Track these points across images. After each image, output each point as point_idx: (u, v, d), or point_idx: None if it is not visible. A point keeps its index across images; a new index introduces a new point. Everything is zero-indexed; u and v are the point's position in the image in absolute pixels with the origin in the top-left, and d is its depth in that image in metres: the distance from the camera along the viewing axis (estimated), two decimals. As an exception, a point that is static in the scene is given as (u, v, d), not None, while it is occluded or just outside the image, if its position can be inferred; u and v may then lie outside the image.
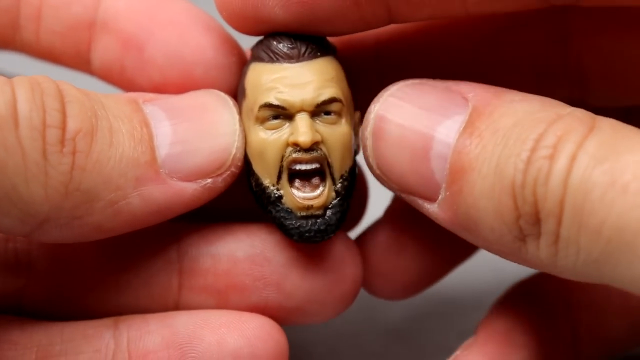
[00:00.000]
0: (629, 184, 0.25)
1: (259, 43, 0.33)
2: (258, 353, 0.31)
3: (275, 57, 0.32)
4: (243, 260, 0.32)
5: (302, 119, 0.31)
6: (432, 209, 0.30)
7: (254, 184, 0.32)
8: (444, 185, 0.30)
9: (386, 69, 0.35)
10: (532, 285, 0.36)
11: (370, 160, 0.31)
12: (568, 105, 0.29)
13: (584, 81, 0.35)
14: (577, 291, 0.35)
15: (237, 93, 0.33)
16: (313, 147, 0.31)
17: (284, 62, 0.32)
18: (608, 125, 0.27)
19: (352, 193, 0.33)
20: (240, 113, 0.32)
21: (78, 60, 0.35)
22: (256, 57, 0.32)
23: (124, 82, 0.35)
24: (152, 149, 0.30)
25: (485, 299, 0.41)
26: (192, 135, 0.31)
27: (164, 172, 0.30)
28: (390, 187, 0.32)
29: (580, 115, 0.28)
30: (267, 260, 0.32)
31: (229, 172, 0.31)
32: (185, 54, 0.34)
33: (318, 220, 0.32)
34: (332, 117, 0.31)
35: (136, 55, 0.34)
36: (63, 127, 0.28)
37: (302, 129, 0.31)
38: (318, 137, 0.31)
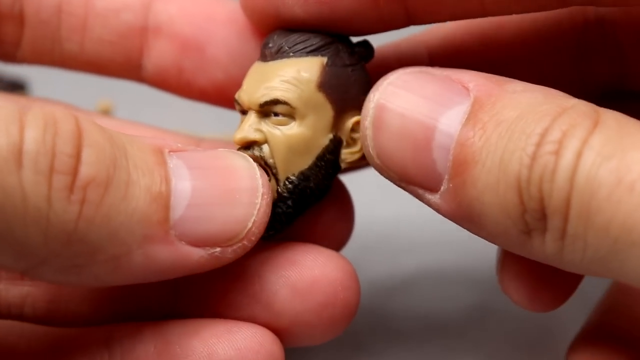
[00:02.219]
0: (634, 183, 0.25)
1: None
2: None
3: (260, 56, 0.33)
4: (235, 276, 0.32)
5: (247, 117, 0.32)
6: (433, 199, 0.30)
7: None
8: (446, 177, 0.29)
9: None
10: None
11: (371, 150, 0.31)
12: (571, 97, 0.29)
13: (623, 61, 0.35)
14: None
15: None
16: (250, 145, 0.32)
17: (262, 60, 0.33)
18: (612, 119, 0.27)
19: (308, 198, 0.32)
20: None
21: (127, 67, 0.36)
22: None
23: (182, 84, 0.35)
24: (167, 208, 0.29)
25: (485, 299, 0.41)
26: (210, 201, 0.29)
27: (174, 233, 0.29)
28: (389, 177, 0.31)
29: (584, 108, 0.27)
30: (258, 278, 0.32)
31: (240, 244, 0.30)
32: (248, 51, 0.34)
33: None
34: (280, 118, 0.32)
35: (197, 56, 0.35)
36: (74, 174, 0.27)
37: (241, 127, 0.32)
38: (255, 137, 0.31)
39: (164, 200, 0.29)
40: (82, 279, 0.28)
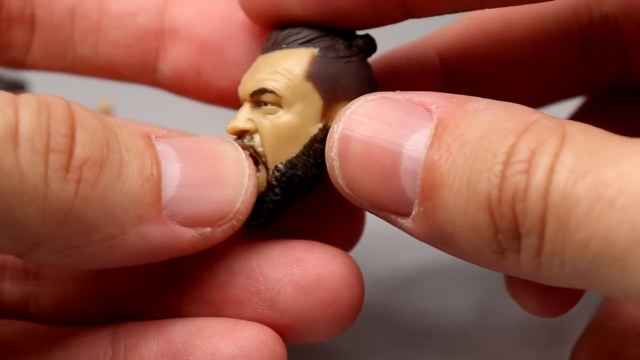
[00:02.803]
0: (614, 198, 0.25)
1: None
2: None
3: (261, 50, 0.33)
4: (239, 274, 0.32)
5: (241, 107, 0.32)
6: (406, 224, 0.30)
7: None
8: (416, 202, 0.29)
9: (452, 73, 0.35)
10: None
11: (339, 180, 0.31)
12: (534, 111, 0.28)
13: (627, 58, 0.35)
14: None
15: None
16: (242, 134, 0.32)
17: (261, 53, 0.33)
18: (579, 132, 0.27)
19: (296, 186, 0.33)
20: None
21: (142, 71, 0.36)
22: None
23: (200, 86, 0.35)
24: (159, 189, 0.29)
25: (486, 299, 0.41)
26: (200, 182, 0.30)
27: (166, 213, 0.30)
28: (361, 205, 0.31)
29: (548, 123, 0.27)
30: (262, 276, 0.32)
31: (229, 224, 0.31)
32: None
33: None
34: (269, 107, 0.32)
35: (216, 58, 0.35)
36: (69, 153, 0.27)
37: (234, 117, 0.32)
38: (245, 126, 0.32)
39: (156, 182, 0.29)
40: (78, 260, 0.29)
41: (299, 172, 0.32)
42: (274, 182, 0.32)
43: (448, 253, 0.30)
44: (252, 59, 0.34)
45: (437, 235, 0.29)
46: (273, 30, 0.33)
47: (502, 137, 0.27)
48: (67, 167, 0.27)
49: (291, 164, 0.32)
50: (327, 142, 0.31)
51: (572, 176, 0.26)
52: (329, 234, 0.34)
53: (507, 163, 0.27)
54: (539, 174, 0.26)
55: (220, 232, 0.31)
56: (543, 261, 0.27)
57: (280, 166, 0.32)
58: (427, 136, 0.29)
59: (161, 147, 0.30)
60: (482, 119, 0.28)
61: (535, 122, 0.27)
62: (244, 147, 0.32)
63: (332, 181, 0.31)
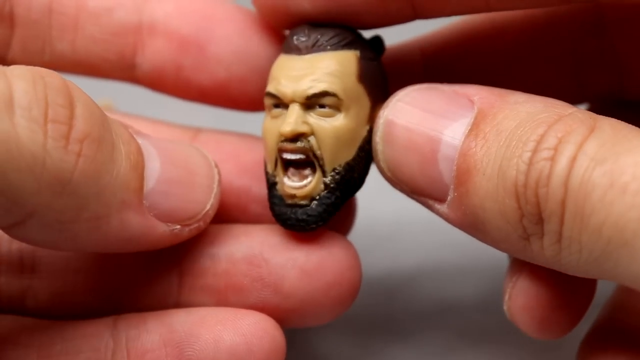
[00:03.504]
0: (627, 184, 0.26)
1: (288, 33, 0.34)
2: (254, 349, 0.31)
3: (289, 49, 0.33)
4: (242, 261, 0.33)
5: (291, 110, 0.32)
6: (442, 209, 0.31)
7: (264, 168, 0.33)
8: (452, 187, 0.30)
9: (434, 77, 0.36)
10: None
11: (382, 164, 0.32)
12: (571, 106, 0.29)
13: (621, 72, 0.36)
14: None
15: None
16: (298, 137, 0.32)
17: (294, 54, 0.33)
18: (609, 126, 0.28)
19: (351, 187, 0.33)
20: None
21: (120, 66, 0.36)
22: (283, 47, 0.33)
23: (180, 83, 0.35)
24: (142, 178, 0.30)
25: (486, 299, 0.41)
26: (177, 179, 0.31)
27: (146, 203, 0.30)
28: (402, 190, 0.32)
29: (581, 116, 0.28)
30: (265, 262, 0.32)
31: (196, 224, 0.32)
32: (250, 50, 0.35)
33: (299, 210, 0.32)
34: (326, 110, 0.32)
35: (197, 54, 0.35)
36: (69, 124, 0.27)
37: (288, 120, 0.32)
38: (303, 129, 0.32)
39: (140, 170, 0.30)
40: (61, 238, 0.29)
41: (355, 174, 0.33)
42: (333, 185, 0.32)
43: (480, 240, 0.31)
44: (236, 57, 0.34)
45: (470, 221, 0.30)
46: (304, 30, 0.33)
47: (535, 127, 0.28)
48: (67, 138, 0.27)
49: (349, 166, 0.32)
50: (374, 126, 0.32)
51: (592, 163, 0.26)
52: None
53: (535, 150, 0.28)
54: (562, 161, 0.27)
55: (188, 231, 0.31)
56: (563, 247, 0.27)
57: (339, 168, 0.32)
58: (467, 125, 0.30)
59: (140, 141, 0.31)
60: (519, 110, 0.29)
61: (570, 114, 0.28)
62: (304, 150, 0.32)
63: (375, 165, 0.32)
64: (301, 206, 0.32)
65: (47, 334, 0.32)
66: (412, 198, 0.32)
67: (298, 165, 0.32)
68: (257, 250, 0.33)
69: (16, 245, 0.33)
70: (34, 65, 0.35)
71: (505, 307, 0.32)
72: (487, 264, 0.43)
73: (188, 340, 0.31)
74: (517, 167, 0.28)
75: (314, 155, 0.32)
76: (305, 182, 0.32)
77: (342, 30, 0.33)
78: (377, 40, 0.34)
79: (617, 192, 0.26)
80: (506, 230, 0.29)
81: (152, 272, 0.33)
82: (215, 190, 0.32)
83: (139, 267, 0.33)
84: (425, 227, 0.43)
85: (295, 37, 0.33)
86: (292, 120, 0.32)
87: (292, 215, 0.32)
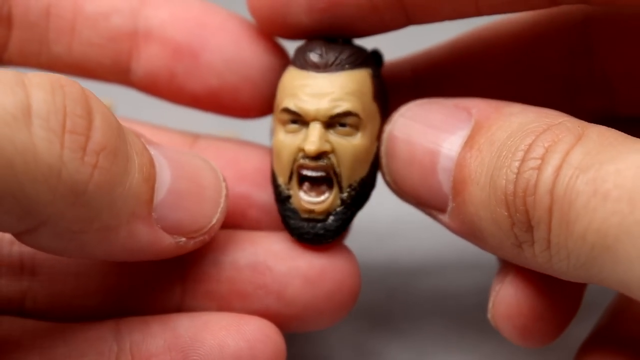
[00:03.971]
0: (609, 192, 0.26)
1: (299, 48, 0.34)
2: (258, 355, 0.32)
3: (305, 65, 0.33)
4: (245, 268, 0.33)
5: (313, 128, 0.32)
6: (444, 219, 0.32)
7: (272, 179, 0.34)
8: (450, 197, 0.31)
9: (424, 92, 0.36)
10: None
11: (387, 177, 0.33)
12: (563, 115, 0.30)
13: (611, 90, 0.36)
14: None
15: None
16: (320, 155, 0.32)
17: (312, 70, 0.33)
18: (596, 134, 0.28)
19: (363, 202, 0.34)
20: (274, 112, 0.34)
21: (115, 70, 0.36)
22: (293, 61, 0.34)
23: (173, 89, 0.35)
24: (153, 190, 0.30)
25: (485, 297, 0.41)
26: (186, 191, 0.31)
27: (155, 215, 0.30)
28: (408, 201, 0.33)
29: (570, 125, 0.29)
30: (268, 269, 0.33)
31: (201, 237, 0.32)
32: (243, 59, 0.35)
33: (318, 225, 0.33)
34: (346, 129, 0.32)
35: (190, 62, 0.35)
36: (87, 135, 0.28)
37: (311, 138, 0.32)
38: (326, 147, 0.32)
39: (152, 182, 0.30)
40: (71, 246, 0.29)
41: (367, 190, 0.34)
42: (349, 202, 0.33)
43: (481, 247, 0.31)
44: (228, 65, 0.34)
45: (468, 230, 0.31)
46: (320, 47, 0.33)
47: (524, 137, 0.29)
48: (84, 149, 0.27)
49: (363, 182, 0.33)
50: (379, 141, 0.33)
51: (576, 172, 0.27)
52: None
53: (523, 159, 0.28)
54: (548, 170, 0.28)
55: (192, 243, 0.32)
56: (553, 254, 0.28)
57: (355, 184, 0.33)
58: (464, 137, 0.31)
59: (152, 151, 0.31)
60: (512, 120, 0.30)
61: (559, 124, 0.29)
62: (326, 168, 0.32)
63: (383, 178, 0.33)
64: (318, 220, 0.33)
65: (49, 337, 0.32)
66: (419, 209, 0.33)
67: (314, 180, 0.33)
68: (261, 258, 0.33)
69: (17, 248, 0.33)
70: (30, 66, 0.35)
71: (489, 315, 0.33)
72: (486, 262, 0.42)
73: (193, 345, 0.31)
74: (507, 176, 0.29)
75: (334, 172, 0.33)
76: (323, 197, 0.33)
77: (358, 49, 0.33)
78: (377, 55, 0.35)
79: (600, 199, 0.26)
80: (500, 238, 0.30)
81: (155, 276, 0.33)
82: (222, 205, 0.32)
83: (141, 271, 0.33)
84: (425, 225, 0.43)
85: (311, 53, 0.33)
86: (316, 139, 0.32)
87: (311, 230, 0.33)
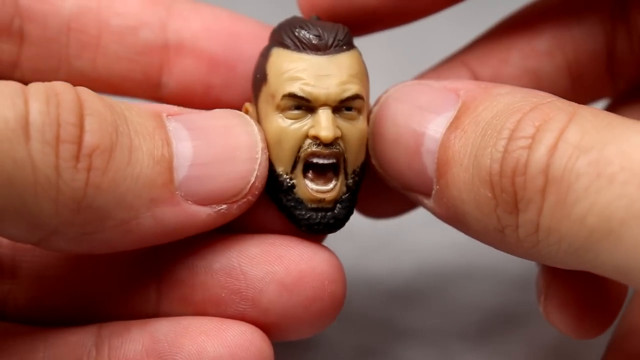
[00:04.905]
0: (615, 174, 0.26)
1: (283, 28, 0.32)
2: None
3: (301, 46, 0.32)
4: (219, 273, 0.32)
5: (325, 114, 0.31)
6: (429, 203, 0.31)
7: (269, 169, 0.32)
8: (434, 180, 0.30)
9: None
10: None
11: (373, 159, 0.32)
12: (551, 95, 0.29)
13: None
14: None
15: (253, 75, 0.33)
16: (333, 142, 0.31)
17: (311, 52, 0.32)
18: (589, 113, 0.27)
19: (360, 187, 0.33)
20: (257, 97, 0.32)
21: (145, 85, 0.35)
22: (280, 42, 0.32)
23: (209, 101, 0.35)
24: (171, 170, 0.29)
25: (486, 299, 0.41)
26: (212, 159, 0.30)
27: (180, 194, 0.30)
28: (394, 186, 0.32)
29: (560, 104, 0.28)
30: (243, 274, 0.32)
31: (245, 199, 0.31)
32: None
33: (327, 214, 0.32)
34: (352, 113, 0.32)
35: (227, 74, 0.35)
36: (79, 142, 0.27)
37: (325, 124, 0.31)
38: (339, 133, 0.31)
39: (167, 163, 0.29)
40: (94, 245, 0.29)
41: (363, 175, 0.33)
42: (354, 188, 0.32)
43: (464, 233, 0.30)
44: None
45: (452, 214, 0.30)
46: (315, 27, 0.32)
47: (509, 115, 0.28)
48: (77, 157, 0.27)
49: (363, 166, 0.32)
50: (367, 122, 0.32)
51: (576, 152, 0.26)
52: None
53: (510, 138, 0.28)
54: (541, 149, 0.27)
55: (236, 208, 0.31)
56: (541, 238, 0.27)
57: (358, 170, 0.32)
58: (449, 118, 0.30)
59: (172, 125, 0.30)
60: (499, 100, 0.29)
61: (548, 102, 0.28)
62: (337, 155, 0.31)
63: (368, 161, 0.32)
64: (326, 210, 0.32)
65: (30, 341, 0.31)
66: (405, 194, 0.32)
67: (319, 168, 0.32)
68: (236, 262, 0.32)
69: None
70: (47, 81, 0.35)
71: (540, 308, 0.32)
72: (487, 264, 0.43)
73: (171, 351, 0.31)
74: (492, 155, 0.28)
75: (344, 158, 0.32)
76: (331, 185, 0.32)
77: (344, 27, 0.32)
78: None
79: (604, 182, 0.26)
80: (483, 222, 0.29)
81: (130, 280, 0.32)
82: (260, 159, 0.31)
83: (116, 275, 0.32)
84: (426, 228, 0.43)
85: (307, 33, 0.32)
86: (330, 125, 0.31)
87: (322, 220, 0.32)
